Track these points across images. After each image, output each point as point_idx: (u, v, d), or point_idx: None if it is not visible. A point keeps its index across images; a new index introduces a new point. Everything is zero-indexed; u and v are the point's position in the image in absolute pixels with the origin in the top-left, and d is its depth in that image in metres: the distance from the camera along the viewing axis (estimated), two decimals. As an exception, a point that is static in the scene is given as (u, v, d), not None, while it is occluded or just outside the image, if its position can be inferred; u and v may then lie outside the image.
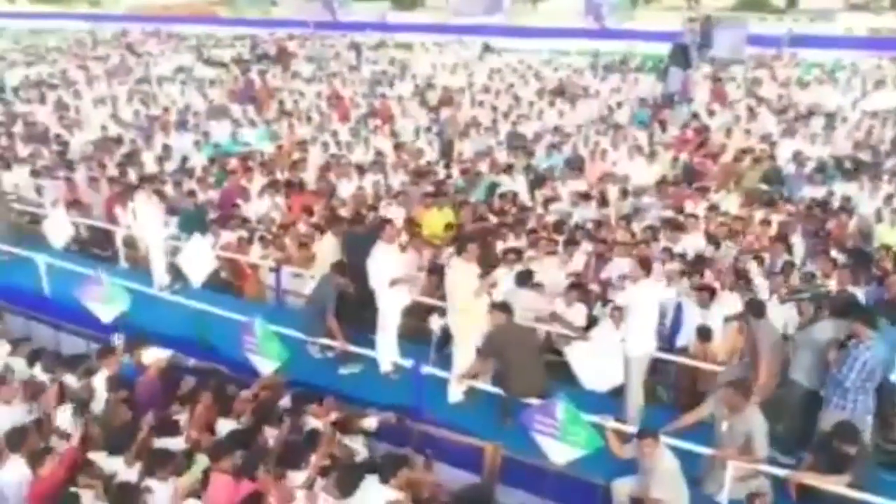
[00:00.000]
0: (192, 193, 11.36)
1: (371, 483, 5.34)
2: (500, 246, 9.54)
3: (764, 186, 12.96)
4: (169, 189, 12.12)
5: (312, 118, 18.25)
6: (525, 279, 7.77)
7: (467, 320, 7.00)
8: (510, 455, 6.54)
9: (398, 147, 14.69)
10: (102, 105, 19.13)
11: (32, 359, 7.32)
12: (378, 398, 7.33)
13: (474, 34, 37.59)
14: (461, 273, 7.02)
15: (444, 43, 36.40)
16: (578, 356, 7.66)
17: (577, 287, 8.56)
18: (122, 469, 5.45)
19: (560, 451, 6.31)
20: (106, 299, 8.47)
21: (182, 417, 6.44)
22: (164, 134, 15.53)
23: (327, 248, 8.36)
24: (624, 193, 11.80)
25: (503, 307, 6.74)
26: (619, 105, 20.09)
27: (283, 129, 17.11)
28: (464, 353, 7.10)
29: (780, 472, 5.75)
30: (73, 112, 17.94)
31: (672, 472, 5.71)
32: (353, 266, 7.83)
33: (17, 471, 5.37)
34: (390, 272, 7.46)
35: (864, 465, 5.52)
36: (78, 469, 5.22)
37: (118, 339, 7.27)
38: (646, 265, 6.82)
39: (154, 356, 6.85)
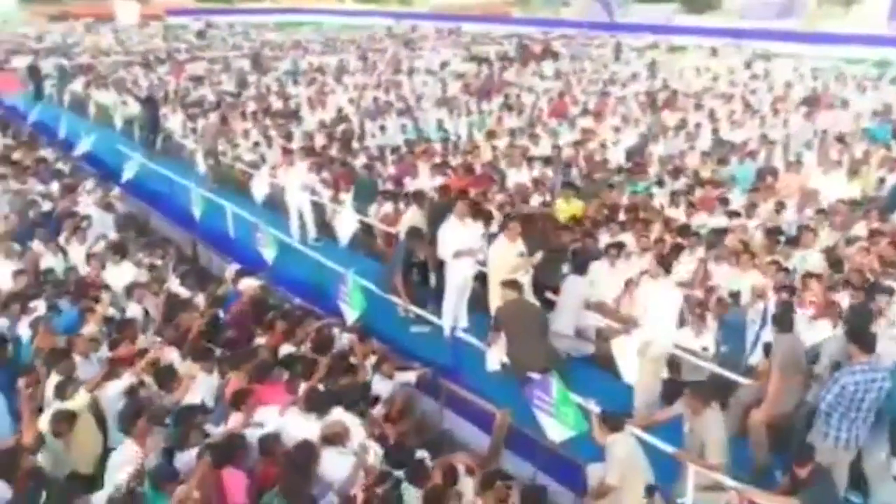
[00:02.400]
0: (368, 167, 12.93)
1: (337, 409, 6.20)
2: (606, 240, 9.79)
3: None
4: (358, 162, 13.96)
5: (524, 112, 19.11)
6: (581, 267, 7.97)
7: (500, 294, 7.49)
8: (517, 423, 7.00)
9: (578, 143, 15.02)
10: (355, 91, 21.92)
11: (183, 278, 9.26)
12: (431, 356, 8.18)
13: (754, 38, 35.66)
14: (501, 249, 7.54)
15: (721, 47, 35.03)
16: (622, 349, 7.71)
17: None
18: (177, 359, 6.98)
19: (555, 428, 6.61)
20: (267, 245, 10.38)
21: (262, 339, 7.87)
22: (381, 118, 17.55)
23: (409, 218, 9.28)
24: (781, 205, 11.01)
25: (513, 284, 7.13)
26: (877, 115, 18.14)
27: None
28: (498, 326, 7.60)
29: (733, 483, 5.52)
30: (323, 95, 20.86)
31: (625, 461, 5.76)
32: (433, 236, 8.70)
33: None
34: (456, 244, 8.19)
35: (822, 492, 5.11)
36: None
37: (231, 269, 8.95)
38: (664, 263, 6.74)
39: (247, 284, 8.34)
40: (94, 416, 6.39)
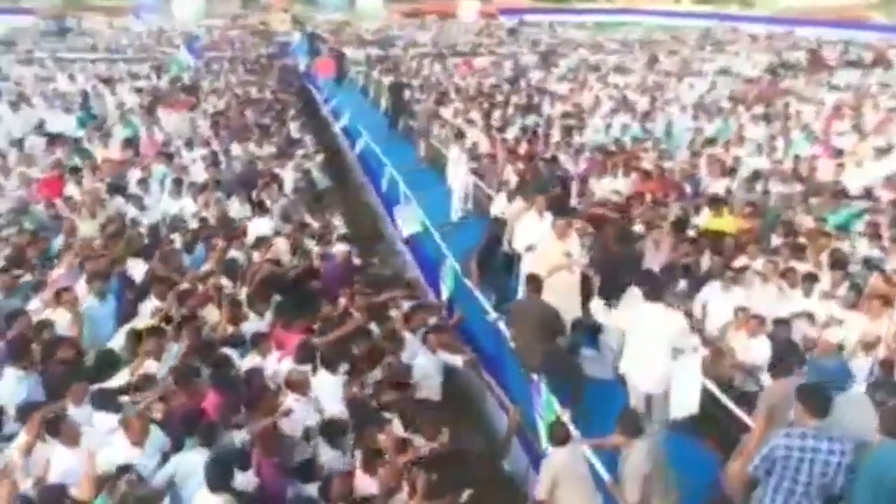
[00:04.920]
0: (548, 161, 12.91)
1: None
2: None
3: None
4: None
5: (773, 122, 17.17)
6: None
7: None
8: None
9: (798, 159, 13.22)
10: (612, 89, 21.58)
11: (320, 238, 10.28)
12: (489, 343, 8.26)
13: None
14: (546, 246, 7.27)
15: None
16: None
17: (759, 318, 7.51)
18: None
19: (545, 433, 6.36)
20: (409, 218, 11.10)
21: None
22: (608, 117, 17.22)
23: (513, 209, 9.22)
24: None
25: (534, 281, 6.81)
26: None
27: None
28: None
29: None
30: (573, 92, 20.93)
31: (553, 474, 5.40)
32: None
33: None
34: (530, 238, 8.05)
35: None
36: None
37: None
38: (651, 292, 5.94)
39: (338, 249, 9.12)
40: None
